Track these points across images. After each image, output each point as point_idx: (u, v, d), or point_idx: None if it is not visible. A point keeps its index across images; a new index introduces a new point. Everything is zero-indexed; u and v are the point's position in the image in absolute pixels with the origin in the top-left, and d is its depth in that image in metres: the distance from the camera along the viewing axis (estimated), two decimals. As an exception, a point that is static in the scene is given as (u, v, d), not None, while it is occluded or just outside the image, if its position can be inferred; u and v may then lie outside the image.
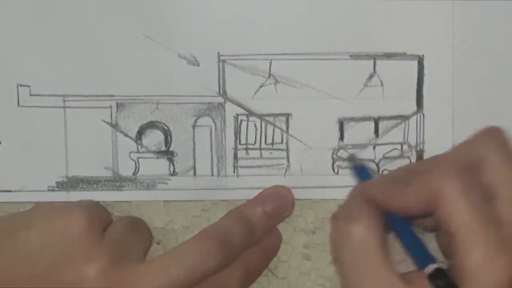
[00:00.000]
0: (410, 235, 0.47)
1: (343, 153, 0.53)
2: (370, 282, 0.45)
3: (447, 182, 0.44)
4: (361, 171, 0.51)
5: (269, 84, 0.52)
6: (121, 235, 0.49)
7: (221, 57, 0.52)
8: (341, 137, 0.53)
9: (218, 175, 0.53)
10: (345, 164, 0.52)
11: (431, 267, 0.45)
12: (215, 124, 0.52)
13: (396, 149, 0.53)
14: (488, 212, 0.44)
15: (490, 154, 0.46)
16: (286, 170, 0.53)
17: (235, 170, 0.53)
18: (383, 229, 0.46)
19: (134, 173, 0.53)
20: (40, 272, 0.47)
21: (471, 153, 0.46)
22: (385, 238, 0.46)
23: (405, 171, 0.49)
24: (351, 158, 0.52)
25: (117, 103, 0.52)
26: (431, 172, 0.45)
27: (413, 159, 0.53)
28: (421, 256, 0.46)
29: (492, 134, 0.47)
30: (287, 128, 0.53)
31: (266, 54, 0.52)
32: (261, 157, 0.53)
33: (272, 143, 0.53)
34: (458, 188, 0.44)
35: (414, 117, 0.52)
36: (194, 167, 0.53)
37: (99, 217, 0.49)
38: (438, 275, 0.45)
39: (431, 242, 0.50)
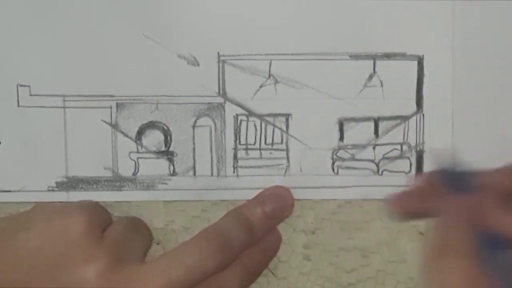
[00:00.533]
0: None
1: (343, 153, 0.53)
2: None
3: None
4: (454, 179, 0.43)
5: (269, 84, 0.52)
6: (121, 236, 0.49)
7: (221, 57, 0.52)
8: (341, 137, 0.53)
9: (218, 175, 0.53)
10: (341, 161, 0.52)
11: None
12: (215, 124, 0.52)
13: (396, 149, 0.53)
14: None
15: None
16: (286, 170, 0.53)
17: (235, 170, 0.53)
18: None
19: (134, 173, 0.53)
20: (40, 273, 0.47)
21: None
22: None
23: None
24: (436, 154, 0.44)
25: (117, 103, 0.52)
26: None
27: (413, 160, 0.53)
28: None
29: None
30: (287, 128, 0.53)
31: (266, 54, 0.52)
32: (261, 157, 0.53)
33: (272, 143, 0.53)
34: None
35: (414, 117, 0.52)
36: (194, 167, 0.53)
37: (99, 217, 0.49)
38: None
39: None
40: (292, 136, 0.53)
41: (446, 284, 0.41)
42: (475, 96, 0.52)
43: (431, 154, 0.50)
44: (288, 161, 0.53)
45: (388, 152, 0.53)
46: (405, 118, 0.52)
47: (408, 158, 0.53)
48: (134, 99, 0.52)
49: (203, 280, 0.48)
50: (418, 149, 0.52)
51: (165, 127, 0.52)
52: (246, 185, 0.53)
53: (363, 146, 0.53)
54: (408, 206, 0.45)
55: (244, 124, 0.52)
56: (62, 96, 0.52)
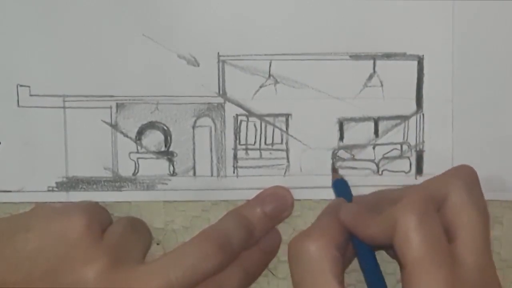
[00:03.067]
0: (370, 261, 0.48)
1: (343, 153, 0.53)
2: None
3: (404, 216, 0.44)
4: (341, 186, 0.51)
5: (269, 84, 0.52)
6: (120, 237, 0.49)
7: (221, 57, 0.52)
8: (341, 137, 0.52)
9: (218, 175, 0.53)
10: (341, 161, 0.53)
11: None
12: (215, 125, 0.52)
13: (396, 149, 0.53)
14: (441, 250, 0.44)
15: (455, 193, 0.46)
16: (285, 170, 0.53)
17: (235, 171, 0.53)
18: (341, 251, 0.47)
19: (134, 174, 0.53)
20: (39, 274, 0.47)
21: (438, 189, 0.47)
22: (339, 260, 0.46)
23: (378, 197, 0.50)
24: (334, 170, 0.52)
25: (117, 103, 0.52)
26: (395, 205, 0.45)
27: (413, 159, 0.53)
28: (374, 283, 0.47)
29: (463, 174, 0.48)
30: (287, 128, 0.53)
31: (266, 54, 0.52)
32: (260, 157, 0.53)
33: (272, 143, 0.53)
34: (414, 223, 0.44)
35: (414, 117, 0.52)
36: (194, 168, 0.53)
37: (98, 218, 0.49)
38: None
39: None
40: (292, 136, 0.53)
41: (303, 261, 0.46)
42: (475, 96, 0.52)
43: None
44: (288, 161, 0.53)
45: (388, 152, 0.53)
46: (405, 118, 0.52)
47: (408, 158, 0.53)
48: (134, 99, 0.52)
49: (202, 280, 0.48)
50: (418, 148, 0.52)
51: (165, 127, 0.52)
52: (246, 185, 0.53)
53: (363, 146, 0.53)
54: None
55: (244, 124, 0.52)
56: (62, 96, 0.52)
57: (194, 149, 0.53)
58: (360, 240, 0.47)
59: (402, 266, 0.44)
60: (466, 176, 0.47)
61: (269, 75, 0.52)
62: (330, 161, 0.53)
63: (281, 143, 0.53)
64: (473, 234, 0.45)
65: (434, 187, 0.47)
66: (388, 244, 0.46)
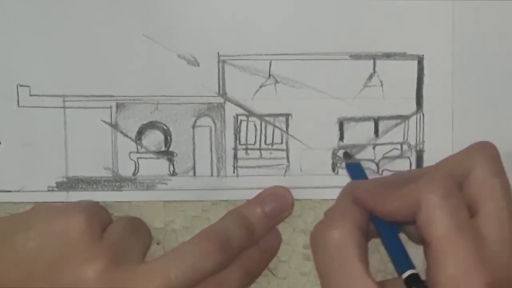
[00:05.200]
0: (393, 240, 0.48)
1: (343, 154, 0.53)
2: None
3: (428, 192, 0.44)
4: (355, 169, 0.51)
5: (269, 84, 0.52)
6: (120, 236, 0.49)
7: (221, 57, 0.52)
8: (341, 137, 0.52)
9: (218, 175, 0.53)
10: (341, 161, 0.52)
11: (407, 273, 0.45)
12: (215, 124, 0.52)
13: (396, 149, 0.53)
14: (467, 225, 0.44)
15: (477, 168, 0.46)
16: (286, 170, 0.53)
17: (235, 170, 0.53)
18: (364, 234, 0.47)
19: (134, 173, 0.53)
20: (39, 273, 0.47)
21: (460, 165, 0.47)
22: (364, 245, 0.46)
23: (396, 177, 0.50)
24: (346, 155, 0.52)
25: (117, 103, 0.52)
26: (417, 181, 0.45)
27: (413, 159, 0.53)
28: (400, 261, 0.47)
29: (484, 148, 0.47)
30: (287, 128, 0.52)
31: (266, 54, 0.52)
32: (261, 157, 0.53)
33: (272, 143, 0.53)
34: (438, 198, 0.44)
35: (414, 117, 0.52)
36: (194, 168, 0.53)
37: (98, 218, 0.49)
38: (413, 282, 0.45)
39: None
40: (292, 136, 0.53)
41: (328, 250, 0.45)
42: (475, 96, 0.52)
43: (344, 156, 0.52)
44: (288, 161, 0.53)
45: (388, 152, 0.53)
46: (405, 118, 0.52)
47: (408, 157, 0.53)
48: (134, 99, 0.52)
49: (202, 280, 0.48)
50: (418, 148, 0.52)
51: (165, 127, 0.52)
52: (246, 185, 0.53)
53: (363, 146, 0.53)
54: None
55: (244, 124, 0.52)
56: (62, 96, 0.52)
57: (194, 149, 0.53)
58: (380, 216, 0.47)
59: (426, 243, 0.44)
60: (488, 151, 0.47)
61: (269, 75, 0.52)
62: (330, 161, 0.53)
63: (281, 143, 0.53)
64: (497, 207, 0.45)
65: (456, 163, 0.47)
66: (407, 220, 0.45)
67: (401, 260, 0.47)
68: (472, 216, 0.45)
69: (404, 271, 0.46)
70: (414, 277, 0.45)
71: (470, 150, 0.48)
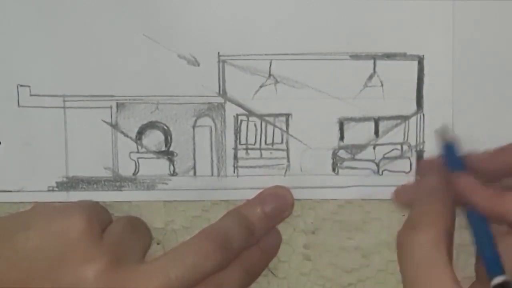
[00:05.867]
0: (488, 240, 0.46)
1: (343, 153, 0.53)
2: None
3: None
4: (450, 152, 0.49)
5: (269, 84, 0.52)
6: (120, 236, 0.49)
7: (221, 57, 0.52)
8: (341, 137, 0.53)
9: (218, 175, 0.53)
10: (341, 161, 0.52)
11: (498, 279, 0.44)
12: (215, 124, 0.52)
13: (396, 149, 0.53)
14: None
15: None
16: (286, 170, 0.53)
17: (235, 170, 0.53)
18: (452, 238, 0.45)
19: (134, 173, 0.53)
20: (39, 273, 0.47)
21: None
22: (451, 248, 0.45)
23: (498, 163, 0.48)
24: (443, 131, 0.50)
25: (117, 103, 0.52)
26: None
27: (413, 159, 0.53)
28: (493, 265, 0.45)
29: None
30: (287, 128, 0.53)
31: (266, 54, 0.52)
32: (261, 157, 0.53)
33: (272, 143, 0.53)
34: None
35: (414, 117, 0.52)
36: (194, 167, 0.53)
37: (98, 217, 0.49)
38: None
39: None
40: (292, 136, 0.53)
41: (415, 256, 0.44)
42: (475, 96, 0.52)
43: (436, 131, 0.50)
44: (288, 161, 0.53)
45: (388, 152, 0.53)
46: (405, 118, 0.52)
47: (409, 158, 0.53)
48: (134, 99, 0.52)
49: (202, 280, 0.48)
50: (418, 149, 0.52)
51: (165, 127, 0.52)
52: (246, 185, 0.53)
53: (363, 146, 0.53)
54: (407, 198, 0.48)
55: (244, 124, 0.52)
56: (62, 96, 0.52)
57: (194, 149, 0.53)
58: (489, 217, 0.45)
59: None
60: None
61: (269, 75, 0.52)
62: (330, 161, 0.53)
63: (281, 143, 0.53)
64: None
65: None
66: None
67: (493, 263, 0.45)
68: None
69: (495, 276, 0.44)
70: (506, 285, 0.44)
71: None
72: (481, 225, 0.46)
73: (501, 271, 0.45)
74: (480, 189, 0.45)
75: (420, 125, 0.52)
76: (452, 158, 0.49)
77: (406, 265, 0.45)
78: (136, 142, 0.53)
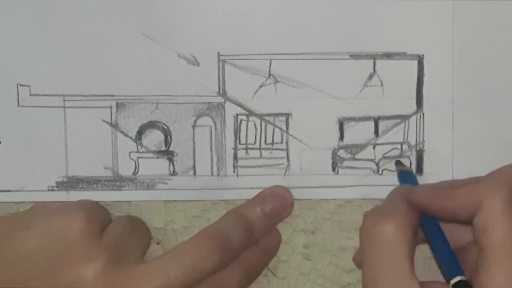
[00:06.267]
0: (443, 245, 0.47)
1: (343, 153, 0.53)
2: (389, 283, 0.45)
3: (492, 194, 0.43)
4: (406, 177, 0.51)
5: (269, 84, 0.52)
6: (119, 236, 0.49)
7: (221, 57, 0.52)
8: (341, 137, 0.52)
9: (218, 175, 0.53)
10: (341, 161, 0.52)
11: (456, 279, 0.44)
12: (215, 124, 0.52)
13: (396, 148, 0.53)
14: None
15: None
16: (286, 170, 0.53)
17: (235, 170, 0.53)
18: (415, 234, 0.46)
19: (134, 173, 0.53)
20: (38, 273, 0.47)
21: None
22: (413, 245, 0.46)
23: (450, 183, 0.49)
24: (398, 163, 0.52)
25: (117, 103, 0.52)
26: (480, 182, 0.44)
27: (413, 159, 0.52)
28: (449, 266, 0.46)
29: None
30: (287, 128, 0.52)
31: (266, 54, 0.52)
32: (261, 157, 0.53)
33: (272, 143, 0.53)
34: (502, 203, 0.43)
35: (414, 117, 0.52)
36: (194, 167, 0.53)
37: (98, 217, 0.49)
38: None
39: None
40: (292, 135, 0.53)
41: (380, 241, 0.45)
42: (475, 96, 0.52)
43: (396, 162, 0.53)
44: (288, 160, 0.53)
45: (388, 152, 0.53)
46: (405, 118, 0.52)
47: (408, 157, 0.53)
48: (134, 99, 0.52)
49: (202, 279, 0.48)
50: (418, 148, 0.52)
51: (165, 127, 0.52)
52: (246, 185, 0.53)
53: (363, 146, 0.53)
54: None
55: (244, 123, 0.52)
56: (62, 96, 0.52)
57: (194, 148, 0.53)
58: (435, 215, 0.46)
59: (481, 247, 0.43)
60: None
61: (269, 75, 0.52)
62: (330, 161, 0.53)
63: (281, 142, 0.53)
64: None
65: None
66: (463, 220, 0.45)
67: (450, 265, 0.46)
68: None
69: (453, 277, 0.45)
70: (463, 284, 0.44)
71: None
72: (434, 228, 0.47)
73: (458, 271, 0.45)
74: (430, 191, 0.46)
75: (420, 125, 0.52)
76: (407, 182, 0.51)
77: (368, 251, 0.46)
78: (136, 142, 0.53)
